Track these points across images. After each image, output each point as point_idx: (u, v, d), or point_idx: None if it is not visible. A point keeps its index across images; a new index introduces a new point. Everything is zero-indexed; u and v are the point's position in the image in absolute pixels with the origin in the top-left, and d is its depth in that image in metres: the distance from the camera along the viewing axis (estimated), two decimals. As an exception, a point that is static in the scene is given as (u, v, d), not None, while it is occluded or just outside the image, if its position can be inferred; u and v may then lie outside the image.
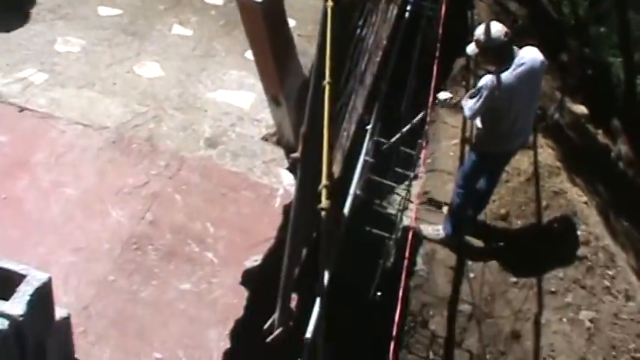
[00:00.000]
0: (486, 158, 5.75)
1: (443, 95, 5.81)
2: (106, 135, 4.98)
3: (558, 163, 7.22)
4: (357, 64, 4.35)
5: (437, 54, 6.87)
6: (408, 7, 6.37)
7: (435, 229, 6.15)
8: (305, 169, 3.07)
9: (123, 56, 5.64)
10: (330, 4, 2.57)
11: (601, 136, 9.37)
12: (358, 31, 4.12)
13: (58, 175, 4.71)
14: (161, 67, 5.59)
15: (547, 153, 7.27)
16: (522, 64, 5.30)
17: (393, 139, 5.97)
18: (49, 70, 5.43)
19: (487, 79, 5.31)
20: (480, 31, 5.27)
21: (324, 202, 1.93)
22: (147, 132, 5.03)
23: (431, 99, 6.33)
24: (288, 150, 4.90)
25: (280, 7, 4.30)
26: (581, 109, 9.54)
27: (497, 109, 5.36)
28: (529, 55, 5.36)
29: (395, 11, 6.20)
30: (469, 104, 5.41)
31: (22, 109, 5.08)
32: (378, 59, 5.76)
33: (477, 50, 5.35)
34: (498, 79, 5.25)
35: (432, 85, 6.43)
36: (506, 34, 5.26)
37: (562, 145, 7.81)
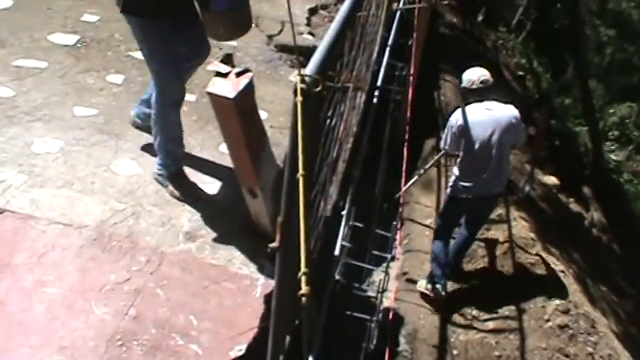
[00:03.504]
0: (453, 201, 6.51)
1: None
2: (86, 233, 5.04)
3: (533, 235, 7.36)
4: (328, 153, 4.48)
5: (406, 136, 7.07)
6: (376, 93, 6.58)
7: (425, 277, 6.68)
8: (283, 258, 3.15)
9: (100, 155, 5.74)
10: (299, 99, 2.66)
11: (573, 205, 9.57)
12: (328, 121, 4.25)
13: (41, 274, 4.74)
14: (138, 165, 5.69)
15: (521, 225, 7.41)
16: (487, 109, 6.09)
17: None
18: (28, 171, 5.50)
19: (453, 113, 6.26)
20: (464, 74, 6.22)
21: (304, 289, 2.02)
22: (126, 229, 5.10)
23: (403, 181, 6.53)
24: (266, 240, 4.96)
25: (252, 101, 4.42)
26: (552, 179, 9.76)
27: (459, 141, 6.17)
28: (498, 108, 6.16)
29: (363, 98, 6.38)
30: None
31: (2, 211, 5.13)
32: (349, 146, 5.91)
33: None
34: (459, 109, 6.16)
35: (404, 167, 6.61)
36: (481, 82, 6.10)
37: (535, 217, 7.98)
